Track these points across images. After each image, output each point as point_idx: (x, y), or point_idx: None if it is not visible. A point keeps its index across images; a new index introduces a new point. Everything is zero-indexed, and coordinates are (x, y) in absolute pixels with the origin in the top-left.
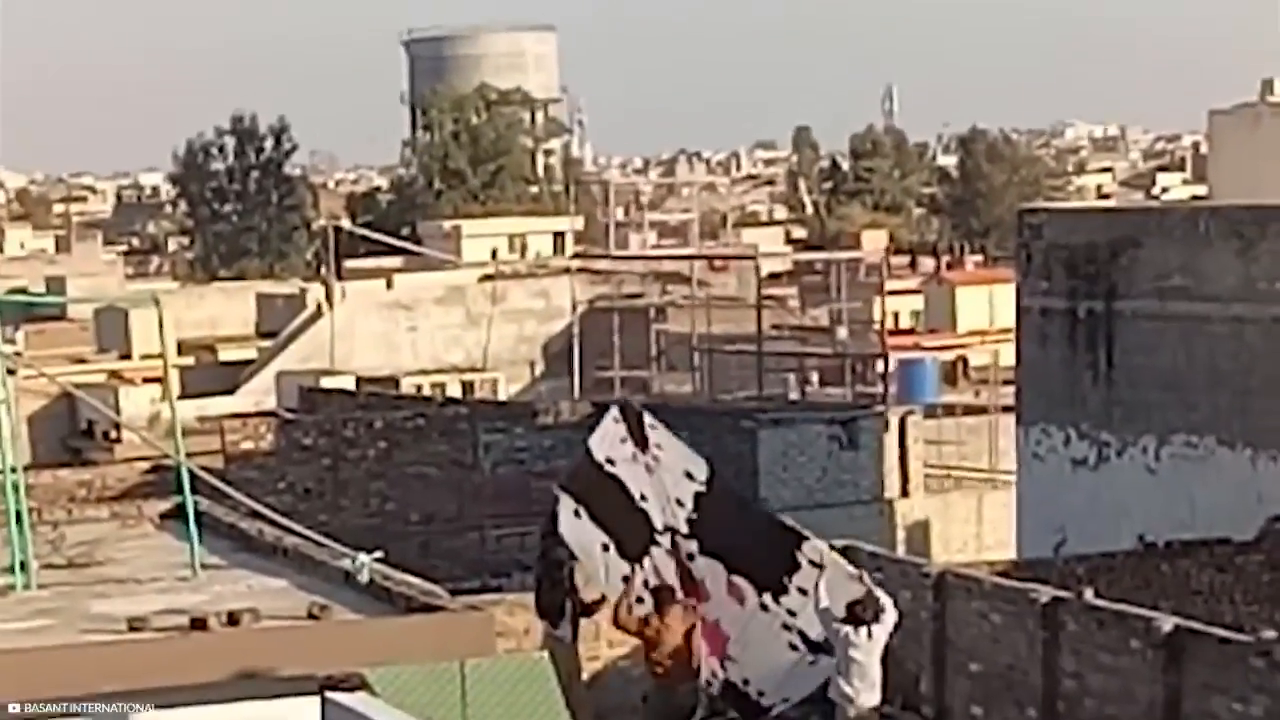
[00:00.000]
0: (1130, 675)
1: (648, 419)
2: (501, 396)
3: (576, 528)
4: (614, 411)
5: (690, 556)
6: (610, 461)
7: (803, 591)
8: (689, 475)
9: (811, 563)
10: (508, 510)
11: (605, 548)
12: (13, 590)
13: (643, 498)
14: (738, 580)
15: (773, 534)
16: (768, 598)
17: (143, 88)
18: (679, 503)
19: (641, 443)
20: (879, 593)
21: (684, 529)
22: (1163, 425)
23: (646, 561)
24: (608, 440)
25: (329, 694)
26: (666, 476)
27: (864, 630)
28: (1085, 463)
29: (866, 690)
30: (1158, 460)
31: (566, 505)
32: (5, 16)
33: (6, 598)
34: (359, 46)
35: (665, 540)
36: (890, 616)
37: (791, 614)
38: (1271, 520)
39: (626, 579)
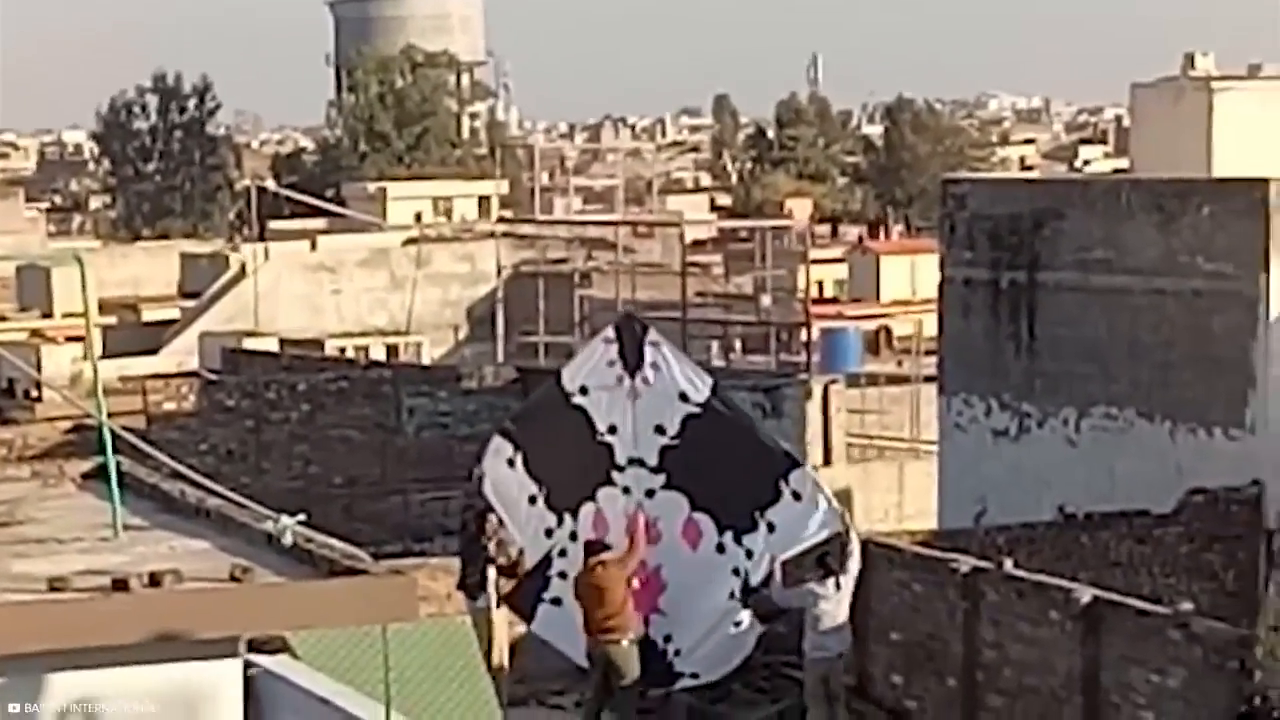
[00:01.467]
0: (1049, 646)
1: (651, 334)
2: (425, 360)
3: (504, 479)
4: (607, 331)
5: (650, 493)
6: (583, 390)
7: (771, 528)
8: (683, 396)
9: (794, 494)
10: (431, 474)
11: (532, 500)
12: None
13: (611, 429)
14: (699, 518)
15: (761, 459)
16: (728, 537)
17: (66, 45)
18: (659, 430)
19: (636, 362)
20: (853, 536)
21: (653, 460)
22: (1083, 397)
23: (586, 507)
24: (589, 366)
25: (251, 656)
26: (652, 400)
27: (831, 582)
28: (1006, 433)
29: (838, 640)
30: (1078, 432)
31: (500, 453)
32: None
33: None
34: (284, 6)
35: (625, 476)
36: (855, 564)
37: (749, 555)
38: (1190, 493)
39: (550, 532)
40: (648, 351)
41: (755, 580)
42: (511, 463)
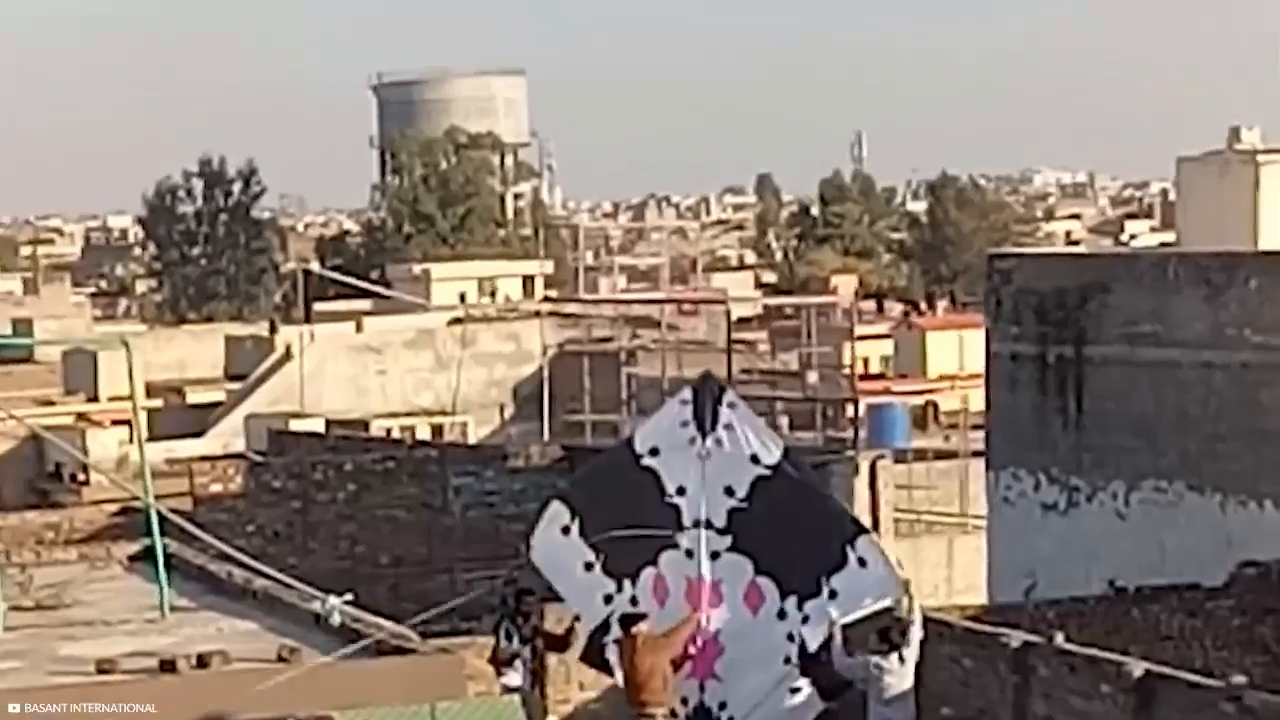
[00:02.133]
0: None
1: (729, 395)
2: (471, 440)
3: (557, 547)
4: (684, 392)
5: (715, 555)
6: (654, 451)
7: (834, 594)
8: (754, 459)
9: (860, 560)
10: (478, 553)
11: (589, 566)
12: None
13: (680, 490)
14: (762, 582)
15: (829, 525)
16: (790, 602)
17: (111, 130)
18: (728, 491)
19: (710, 424)
20: (915, 605)
21: (721, 522)
22: (1132, 470)
23: (647, 571)
24: (663, 427)
25: None
26: (723, 462)
27: (895, 655)
28: (1055, 507)
29: (903, 712)
30: (1127, 505)
31: (555, 520)
32: None
33: None
34: (328, 90)
35: (690, 539)
36: (917, 633)
37: (805, 620)
38: (1241, 565)
39: (609, 598)
40: (723, 412)
41: (812, 646)
42: (566, 530)
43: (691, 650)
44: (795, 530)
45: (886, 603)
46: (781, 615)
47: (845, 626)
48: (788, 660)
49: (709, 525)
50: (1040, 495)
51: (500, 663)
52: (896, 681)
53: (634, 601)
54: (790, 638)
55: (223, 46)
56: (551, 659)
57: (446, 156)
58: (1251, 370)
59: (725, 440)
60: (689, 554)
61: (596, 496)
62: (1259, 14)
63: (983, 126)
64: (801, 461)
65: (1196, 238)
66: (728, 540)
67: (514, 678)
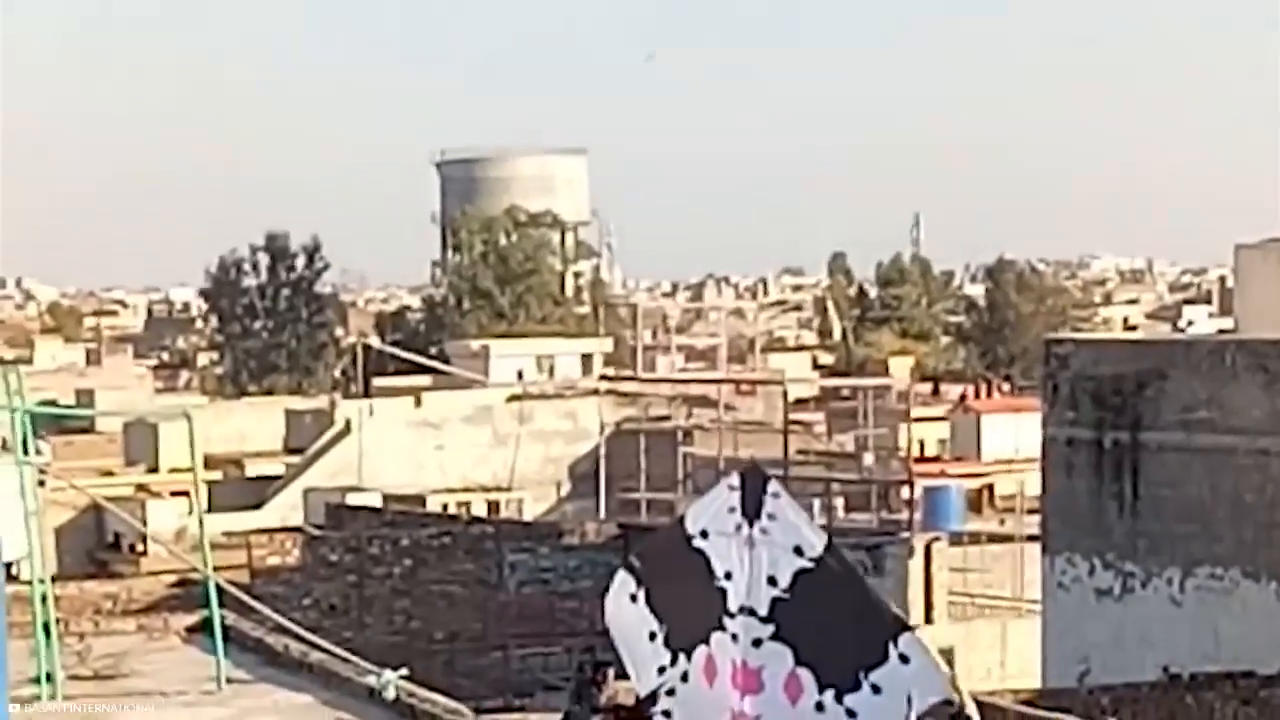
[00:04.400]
0: None
1: (773, 486)
2: (527, 516)
3: (628, 613)
4: (732, 477)
5: (757, 642)
6: (704, 534)
7: (876, 690)
8: (798, 550)
9: (902, 657)
10: (532, 629)
11: (652, 636)
12: (38, 701)
13: (727, 575)
14: (801, 673)
15: (870, 619)
16: (829, 695)
17: (175, 203)
18: (771, 581)
19: (755, 512)
20: (969, 703)
21: (763, 611)
22: (1187, 557)
23: (700, 649)
24: (711, 510)
25: None
26: (768, 552)
27: None
28: (1110, 593)
29: None
30: (1182, 591)
31: (624, 587)
32: (41, 129)
33: (32, 708)
34: (392, 167)
35: (735, 623)
36: None
37: (850, 715)
38: None
39: (662, 669)
40: (767, 501)
41: None
42: (634, 598)
43: None
44: (836, 624)
45: (932, 702)
46: (820, 708)
47: None
48: None
49: (752, 612)
50: (1095, 580)
51: None
52: None
53: (684, 678)
54: None
55: (289, 123)
56: None
57: (507, 234)
58: None
59: (770, 529)
60: (734, 638)
61: (657, 570)
62: None
63: (1042, 211)
64: (844, 555)
65: (1254, 325)
66: (770, 629)
67: None
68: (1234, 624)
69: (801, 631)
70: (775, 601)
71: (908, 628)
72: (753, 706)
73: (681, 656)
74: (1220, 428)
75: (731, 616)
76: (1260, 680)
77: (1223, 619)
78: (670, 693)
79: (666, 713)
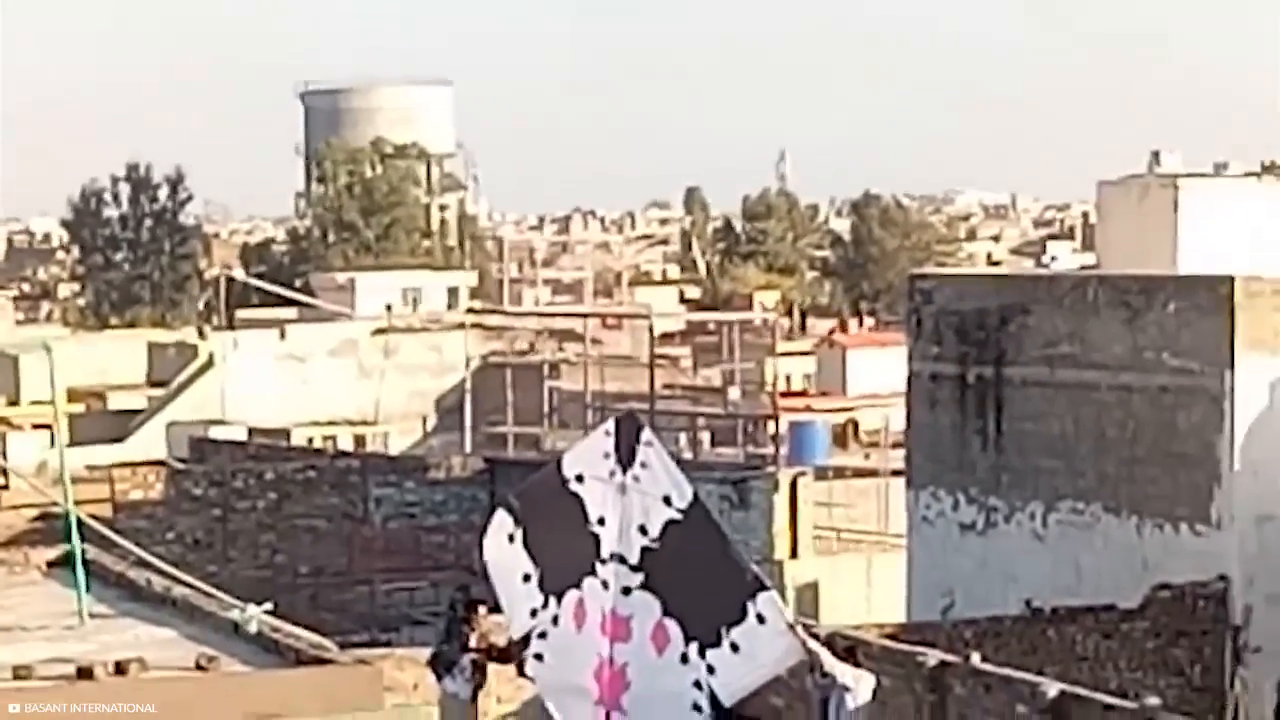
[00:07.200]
0: None
1: (646, 435)
2: (393, 450)
3: (505, 553)
4: (608, 424)
5: (627, 590)
6: (579, 479)
7: (734, 648)
8: (667, 500)
9: (759, 617)
10: (398, 564)
11: (526, 578)
12: None
13: (600, 520)
14: (668, 623)
15: (731, 578)
16: (693, 649)
17: (34, 131)
18: (641, 529)
19: (627, 459)
20: (829, 663)
21: (634, 559)
22: (1050, 491)
23: (570, 593)
24: (586, 455)
25: None
26: (639, 500)
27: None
28: (973, 527)
29: None
30: (1045, 526)
31: (502, 528)
32: None
33: None
34: (255, 98)
35: (607, 570)
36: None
37: (710, 670)
38: (1156, 588)
39: (534, 612)
40: (640, 450)
41: (725, 700)
42: (512, 538)
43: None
44: (701, 578)
45: (789, 664)
46: (684, 659)
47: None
48: (698, 708)
49: (623, 560)
50: (959, 515)
51: (440, 668)
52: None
53: (555, 620)
54: (698, 685)
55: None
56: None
57: (372, 165)
58: (1169, 394)
59: (641, 477)
60: (604, 585)
61: (533, 512)
62: (1185, 42)
63: (906, 146)
64: (709, 511)
65: (1116, 261)
66: (639, 578)
67: (453, 685)
68: (1095, 558)
69: (669, 582)
70: (645, 551)
71: (765, 587)
72: (621, 654)
73: (553, 600)
74: (1083, 363)
75: (604, 563)
76: (1120, 614)
77: (1084, 553)
78: (542, 635)
79: (539, 655)
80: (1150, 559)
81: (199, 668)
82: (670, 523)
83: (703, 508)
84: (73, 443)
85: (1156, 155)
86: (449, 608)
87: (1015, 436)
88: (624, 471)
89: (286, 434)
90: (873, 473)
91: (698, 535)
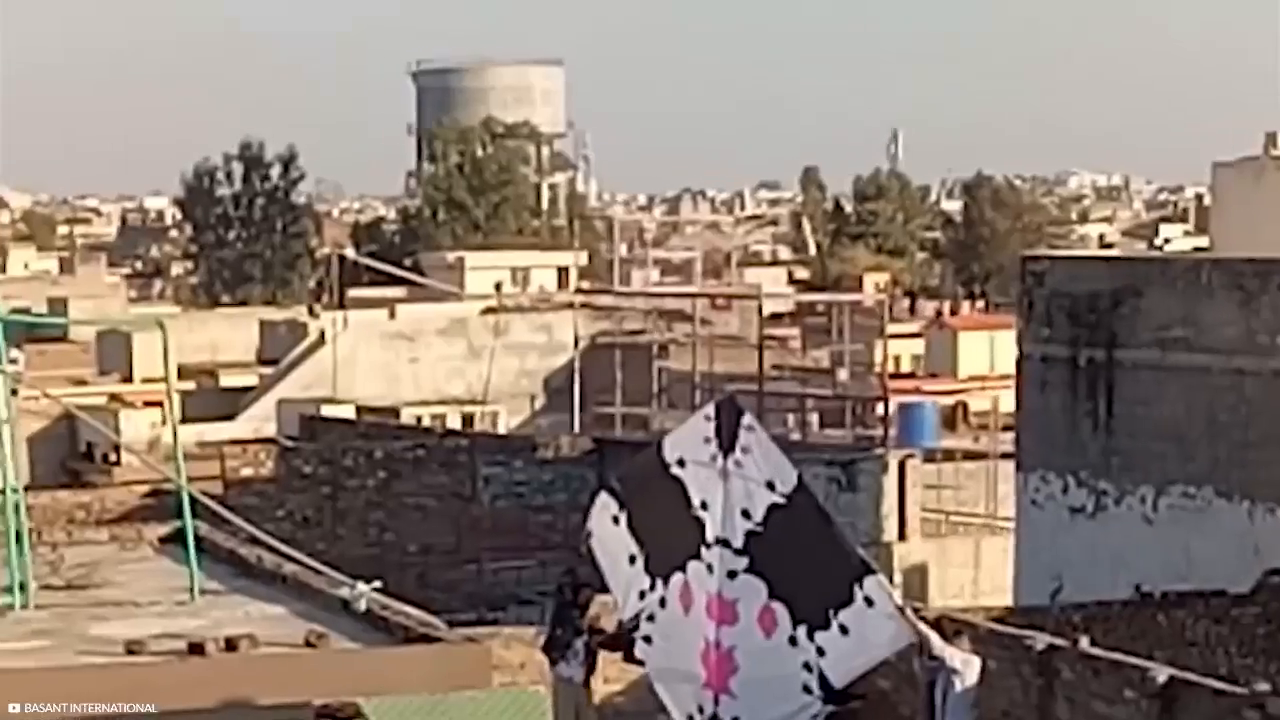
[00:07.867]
0: None
1: (746, 419)
2: (501, 430)
3: (610, 535)
4: (708, 408)
5: (732, 574)
6: (680, 463)
7: (844, 630)
8: (770, 485)
9: (867, 600)
10: (506, 543)
11: (632, 559)
12: (10, 610)
13: (703, 505)
14: (775, 606)
15: (838, 562)
16: (801, 631)
17: (150, 111)
18: (745, 514)
19: (729, 444)
20: (938, 646)
21: (738, 543)
22: (1161, 475)
23: (676, 576)
24: (688, 439)
25: None
26: (742, 484)
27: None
28: (1083, 511)
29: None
30: (1155, 510)
31: (606, 509)
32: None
33: (4, 618)
34: (368, 77)
35: (711, 554)
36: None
37: (821, 653)
38: (1268, 573)
39: (642, 594)
40: (741, 434)
41: (835, 682)
42: (616, 520)
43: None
44: (807, 561)
45: (898, 648)
46: (793, 642)
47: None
48: (808, 690)
49: (727, 544)
50: (1069, 498)
51: (554, 652)
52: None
53: (663, 603)
54: (807, 667)
55: (266, 32)
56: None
57: (483, 145)
58: None
59: (743, 462)
60: (709, 569)
61: (636, 494)
62: None
63: (1019, 127)
64: (814, 495)
65: (1230, 243)
66: (744, 561)
67: (567, 669)
68: (1206, 543)
69: (774, 566)
70: (749, 535)
71: (872, 571)
72: (727, 637)
73: (659, 582)
74: (1195, 346)
75: (708, 547)
76: (1231, 599)
77: (1195, 538)
78: (650, 618)
79: (647, 638)
80: (1261, 544)
81: (308, 644)
82: (774, 507)
83: (807, 492)
84: (184, 420)
85: (1272, 137)
86: (556, 591)
87: (1126, 420)
88: (725, 456)
89: (396, 412)
90: (982, 455)
91: (802, 519)
